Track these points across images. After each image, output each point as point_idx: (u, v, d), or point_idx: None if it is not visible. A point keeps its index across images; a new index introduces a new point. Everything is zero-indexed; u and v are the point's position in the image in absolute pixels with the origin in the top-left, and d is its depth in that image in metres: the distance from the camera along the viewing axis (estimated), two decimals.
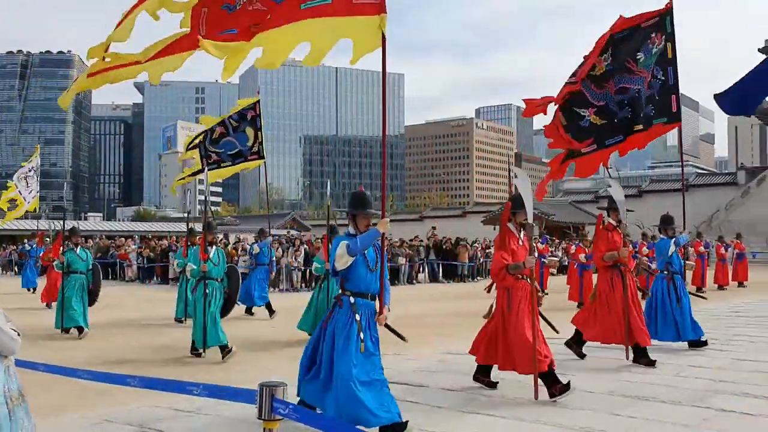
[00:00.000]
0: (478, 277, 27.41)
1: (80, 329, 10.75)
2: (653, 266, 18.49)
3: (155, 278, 26.34)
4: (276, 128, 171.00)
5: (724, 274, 21.43)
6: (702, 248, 21.06)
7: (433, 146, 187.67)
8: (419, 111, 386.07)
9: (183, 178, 13.12)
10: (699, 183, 54.60)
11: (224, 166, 12.52)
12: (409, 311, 14.15)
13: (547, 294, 19.19)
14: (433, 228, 30.47)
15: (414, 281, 25.27)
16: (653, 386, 6.50)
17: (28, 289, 20.80)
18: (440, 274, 26.32)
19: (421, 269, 26.87)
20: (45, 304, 15.77)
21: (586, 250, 16.90)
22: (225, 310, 9.54)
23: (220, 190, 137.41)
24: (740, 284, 21.86)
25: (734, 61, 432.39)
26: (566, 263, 22.31)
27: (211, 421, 5.44)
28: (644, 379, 6.91)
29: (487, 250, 29.45)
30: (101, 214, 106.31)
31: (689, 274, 19.86)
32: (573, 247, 18.40)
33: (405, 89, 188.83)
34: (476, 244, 29.55)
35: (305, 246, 22.95)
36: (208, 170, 12.37)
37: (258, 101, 12.67)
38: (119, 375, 3.67)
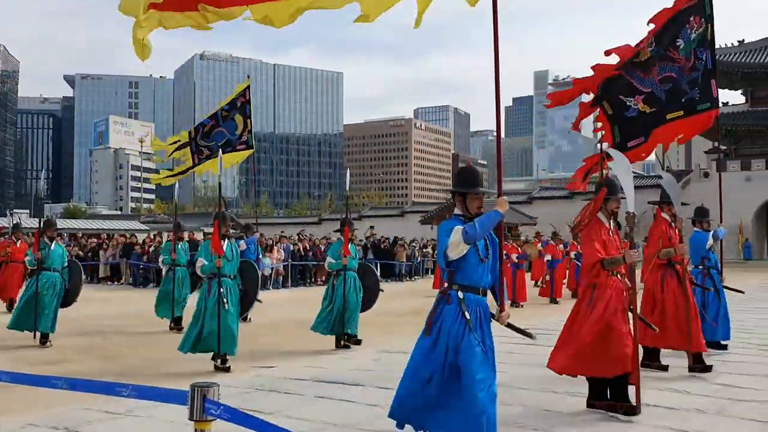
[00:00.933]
0: (416, 276, 27.63)
1: (46, 336, 9.83)
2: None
3: (85, 277, 25.49)
4: None
5: None
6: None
7: (372, 146, 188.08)
8: (358, 110, 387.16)
9: (175, 175, 11.99)
10: None
11: (214, 158, 11.39)
12: None
13: None
14: (371, 227, 30.67)
15: None
16: (585, 383, 6.66)
17: None
18: (378, 274, 26.39)
19: None
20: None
21: (518, 249, 17.27)
22: (241, 310, 8.63)
23: (153, 187, 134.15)
24: None
25: None
26: None
27: (142, 423, 5.31)
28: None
29: (424, 250, 29.69)
30: (28, 211, 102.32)
31: None
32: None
33: (344, 88, 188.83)
34: (414, 244, 29.77)
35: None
36: (199, 164, 11.45)
37: (248, 86, 11.44)
38: (44, 376, 3.54)
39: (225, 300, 7.77)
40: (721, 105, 51.58)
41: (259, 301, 9.90)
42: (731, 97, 50.00)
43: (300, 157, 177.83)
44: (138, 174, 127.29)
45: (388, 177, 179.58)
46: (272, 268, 22.03)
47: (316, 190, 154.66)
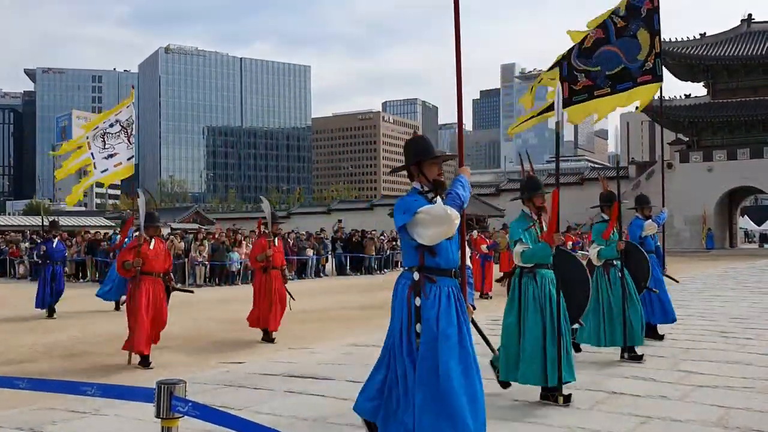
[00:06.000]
0: (385, 269, 27.65)
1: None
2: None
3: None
4: (177, 119, 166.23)
5: None
6: None
7: (340, 139, 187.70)
8: (325, 103, 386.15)
9: (538, 114, 7.53)
10: (593, 176, 57.04)
11: (599, 95, 7.45)
12: (316, 304, 14.13)
13: None
14: (339, 221, 30.70)
15: (321, 274, 25.25)
16: None
17: (117, 304, 13.83)
18: (347, 267, 26.38)
19: (326, 261, 26.86)
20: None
21: (488, 240, 17.38)
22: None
23: (118, 182, 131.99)
24: None
25: None
26: (469, 254, 22.82)
27: (109, 421, 5.25)
28: None
29: (394, 242, 29.73)
30: None
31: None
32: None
33: (311, 81, 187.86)
34: (383, 237, 29.79)
35: (210, 240, 22.43)
36: (575, 102, 7.36)
37: None
38: (5, 377, 3.48)
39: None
40: (683, 97, 52.22)
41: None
42: (693, 90, 50.92)
43: (268, 151, 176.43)
44: None
45: (357, 170, 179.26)
46: (241, 263, 21.89)
47: (284, 184, 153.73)
